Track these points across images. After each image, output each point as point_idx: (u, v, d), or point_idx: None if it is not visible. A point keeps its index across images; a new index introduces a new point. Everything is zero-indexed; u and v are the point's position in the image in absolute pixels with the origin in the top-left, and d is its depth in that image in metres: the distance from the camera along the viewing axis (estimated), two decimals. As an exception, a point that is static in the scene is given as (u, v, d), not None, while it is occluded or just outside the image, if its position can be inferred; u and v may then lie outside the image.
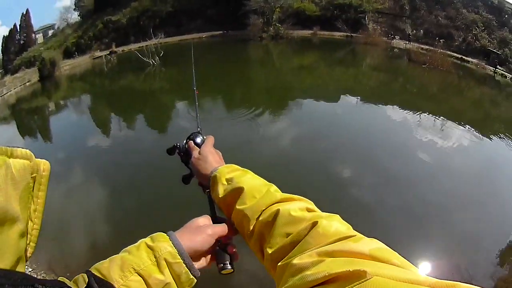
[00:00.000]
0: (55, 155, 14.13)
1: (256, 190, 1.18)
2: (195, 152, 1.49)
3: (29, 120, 23.89)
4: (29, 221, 0.79)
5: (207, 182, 1.35)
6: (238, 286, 7.22)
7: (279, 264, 0.85)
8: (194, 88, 2.35)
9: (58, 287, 0.71)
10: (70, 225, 9.38)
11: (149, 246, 1.06)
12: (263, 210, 1.10)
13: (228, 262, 1.19)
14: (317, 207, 1.06)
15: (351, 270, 0.59)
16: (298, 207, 1.03)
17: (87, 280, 0.93)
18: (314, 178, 10.67)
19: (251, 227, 1.10)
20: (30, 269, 7.02)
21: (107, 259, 1.05)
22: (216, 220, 1.31)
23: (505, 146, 15.12)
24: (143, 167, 11.97)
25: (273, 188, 1.20)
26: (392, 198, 10.00)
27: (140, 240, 1.10)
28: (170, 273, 1.04)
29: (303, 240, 0.85)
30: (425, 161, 12.50)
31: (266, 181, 1.26)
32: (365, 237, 0.78)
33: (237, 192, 1.19)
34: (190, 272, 1.06)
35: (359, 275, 0.57)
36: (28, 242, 0.79)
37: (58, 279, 0.92)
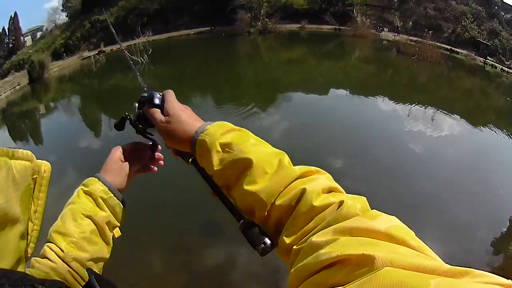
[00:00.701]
0: (48, 158, 13.99)
1: (267, 163, 0.95)
2: (158, 115, 1.17)
3: (20, 123, 23.79)
4: (29, 222, 0.81)
5: (190, 148, 1.09)
6: (233, 282, 7.19)
7: (294, 247, 0.81)
8: (121, 48, 2.25)
9: (57, 287, 0.72)
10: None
11: (85, 192, 1.22)
12: (281, 191, 0.91)
13: (267, 238, 0.93)
14: None
15: (364, 253, 0.59)
16: (322, 188, 0.88)
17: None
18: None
19: (266, 213, 0.93)
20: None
21: (58, 218, 1.19)
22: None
23: (496, 136, 15.18)
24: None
25: (286, 158, 0.99)
26: (385, 188, 10.00)
27: (76, 190, 1.25)
28: (108, 208, 1.23)
29: (325, 221, 0.79)
30: (417, 152, 12.55)
31: (273, 147, 1.05)
32: (384, 213, 0.76)
33: (242, 165, 0.97)
34: (121, 202, 1.28)
35: (370, 260, 0.57)
36: (28, 242, 0.80)
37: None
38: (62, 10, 49.85)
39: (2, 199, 0.65)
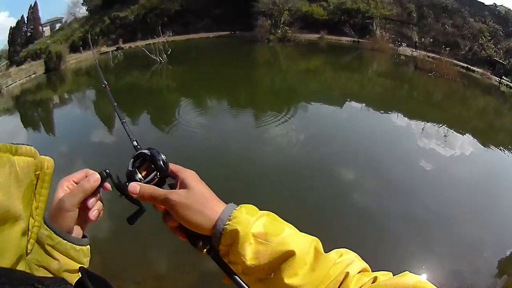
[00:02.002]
0: (58, 148, 14.36)
1: (306, 252, 0.92)
2: (169, 193, 1.00)
3: (33, 112, 23.93)
4: (30, 218, 0.80)
5: (210, 233, 0.98)
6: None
7: None
8: (105, 84, 1.87)
9: (57, 285, 0.71)
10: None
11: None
12: (324, 281, 0.90)
13: None
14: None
15: None
16: (359, 270, 0.93)
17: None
18: (316, 182, 10.72)
19: None
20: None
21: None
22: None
23: (508, 157, 15.08)
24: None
25: (320, 245, 0.96)
26: (395, 204, 10.01)
27: None
28: (60, 253, 1.04)
29: None
30: (428, 169, 12.49)
31: (305, 234, 1.00)
32: (411, 273, 0.82)
33: (282, 258, 0.92)
34: (75, 244, 1.07)
35: None
36: (28, 238, 0.80)
37: None
38: (82, 4, 50.38)
39: (4, 196, 0.66)
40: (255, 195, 9.43)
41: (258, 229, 0.94)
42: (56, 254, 1.03)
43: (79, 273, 0.91)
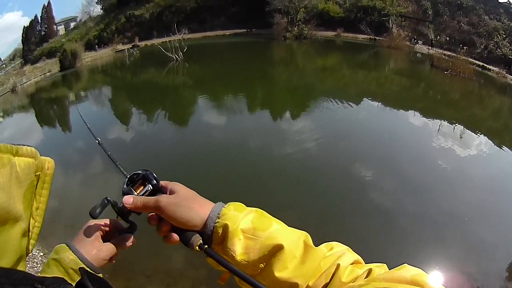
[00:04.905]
0: (75, 145, 14.78)
1: (295, 246, 0.94)
2: (159, 196, 1.05)
3: (48, 109, 24.22)
4: (31, 219, 0.81)
5: (203, 231, 1.00)
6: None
7: None
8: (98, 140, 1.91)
9: (57, 284, 0.69)
10: (86, 213, 9.38)
11: (55, 259, 1.06)
12: (314, 273, 0.93)
13: None
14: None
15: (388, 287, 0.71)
16: (351, 262, 0.93)
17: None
18: (333, 179, 10.79)
19: None
20: (41, 253, 7.11)
21: None
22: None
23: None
24: (162, 159, 12.04)
25: (309, 239, 0.98)
26: (409, 203, 9.98)
27: (48, 257, 1.10)
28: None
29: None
30: (444, 169, 12.41)
31: (294, 229, 1.01)
32: (408, 265, 0.79)
33: (271, 252, 0.93)
34: (96, 272, 1.07)
35: None
36: (29, 239, 0.81)
37: None
38: (96, 3, 51.27)
39: (4, 197, 0.68)
40: (273, 190, 9.44)
41: (247, 225, 0.96)
42: (76, 277, 1.04)
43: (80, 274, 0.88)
